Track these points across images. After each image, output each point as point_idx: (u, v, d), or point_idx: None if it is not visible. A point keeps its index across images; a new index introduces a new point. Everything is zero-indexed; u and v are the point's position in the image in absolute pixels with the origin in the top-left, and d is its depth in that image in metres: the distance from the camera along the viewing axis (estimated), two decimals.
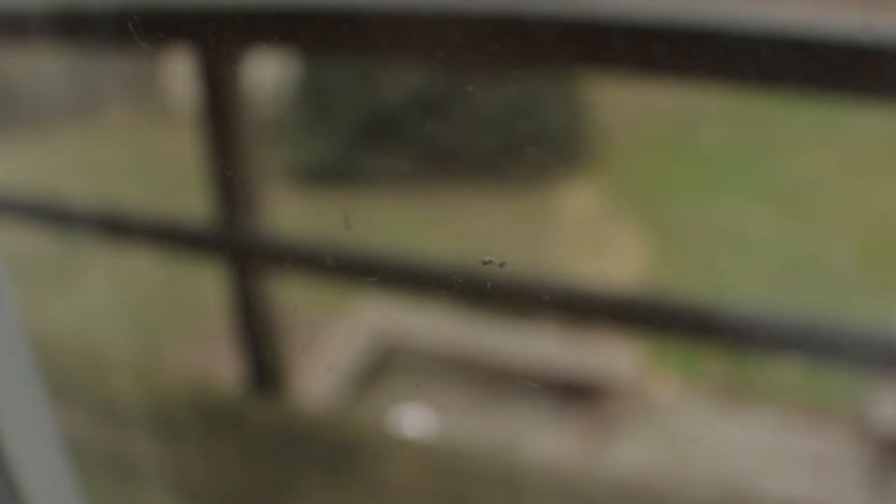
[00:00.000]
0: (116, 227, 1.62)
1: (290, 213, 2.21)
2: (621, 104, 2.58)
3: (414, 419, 1.68)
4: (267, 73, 2.49)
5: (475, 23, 0.88)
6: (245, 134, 1.60)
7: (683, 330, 1.47)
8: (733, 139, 2.38)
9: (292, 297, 1.91)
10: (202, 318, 2.02)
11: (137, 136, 2.52)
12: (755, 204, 2.23)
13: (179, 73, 2.31)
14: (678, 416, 1.81)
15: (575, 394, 1.84)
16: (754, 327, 1.26)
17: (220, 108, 1.57)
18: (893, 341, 1.20)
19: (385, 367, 1.97)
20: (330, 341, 2.03)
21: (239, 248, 1.68)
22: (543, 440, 1.76)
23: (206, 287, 1.86)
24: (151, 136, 2.57)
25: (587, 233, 2.20)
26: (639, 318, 1.45)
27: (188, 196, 1.75)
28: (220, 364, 1.82)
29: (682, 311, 1.42)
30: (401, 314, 2.06)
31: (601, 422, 1.81)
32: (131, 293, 1.91)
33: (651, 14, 0.87)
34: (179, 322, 2.02)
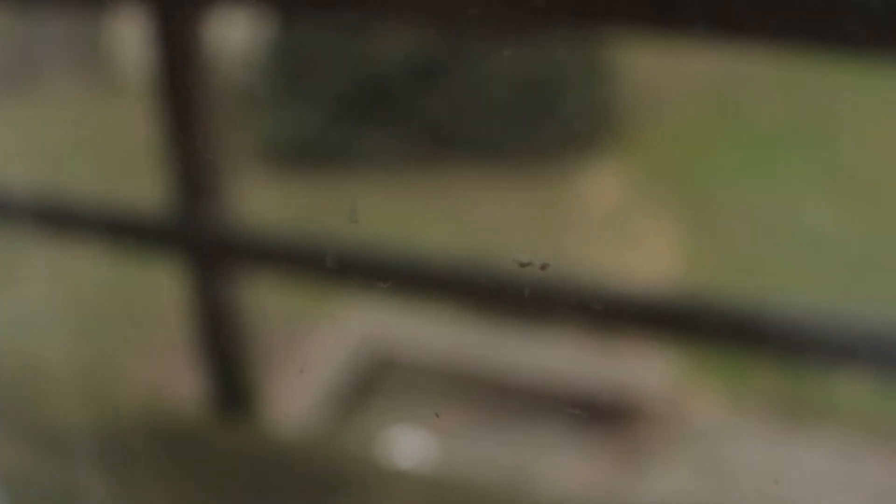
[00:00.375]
0: (58, 218, 1.62)
1: (263, 200, 2.20)
2: (654, 71, 2.58)
3: (411, 445, 1.70)
4: (236, 34, 2.46)
5: None
6: (210, 107, 1.61)
7: (729, 339, 1.50)
8: (788, 112, 2.35)
9: (266, 302, 1.91)
10: (159, 326, 2.01)
11: (83, 109, 2.51)
12: (814, 189, 2.22)
13: (132, 35, 2.28)
14: (723, 441, 1.81)
15: (599, 415, 1.86)
16: (813, 335, 1.26)
17: (181, 76, 1.58)
18: None
19: (376, 383, 1.97)
20: (310, 353, 2.03)
21: (203, 244, 1.69)
22: (562, 470, 1.76)
23: (163, 290, 1.86)
24: (99, 109, 2.57)
25: (614, 224, 2.19)
26: (676, 324, 1.47)
27: (143, 181, 1.75)
28: (180, 381, 1.82)
29: (728, 317, 1.44)
30: (394, 321, 2.06)
31: (631, 448, 1.80)
32: (75, 296, 1.91)
33: None
34: (132, 331, 2.01)
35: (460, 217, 2.18)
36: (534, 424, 1.84)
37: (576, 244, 1.98)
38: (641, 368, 1.92)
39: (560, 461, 1.77)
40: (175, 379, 1.85)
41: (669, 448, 1.80)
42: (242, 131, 2.45)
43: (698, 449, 1.80)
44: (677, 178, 2.38)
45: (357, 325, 2.07)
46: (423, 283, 1.58)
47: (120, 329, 2.00)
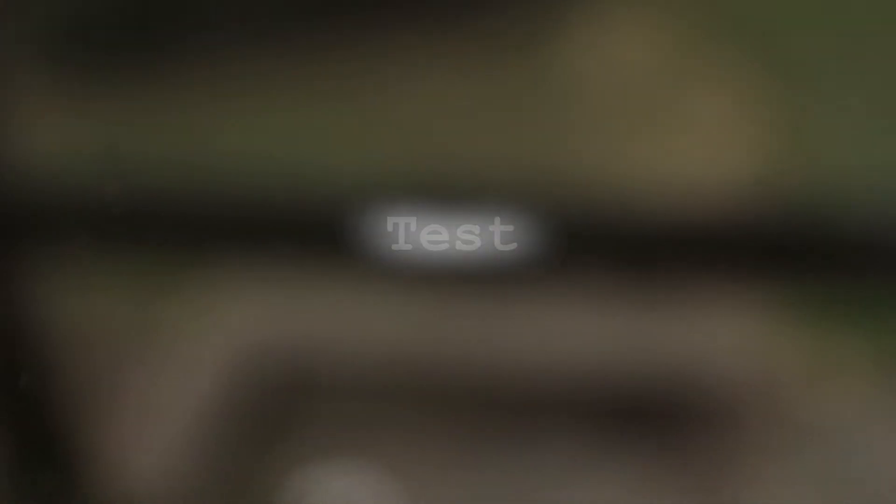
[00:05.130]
0: None
1: (68, 126, 2.17)
2: None
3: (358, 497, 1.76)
4: None
5: None
6: None
7: (855, 272, 1.58)
8: None
9: (92, 298, 1.93)
10: None
11: None
12: None
13: None
14: (863, 448, 1.81)
15: (651, 419, 1.86)
16: None
17: None
18: None
19: (282, 411, 1.98)
20: (169, 374, 2.02)
21: None
22: None
23: None
24: None
25: (653, 105, 2.17)
26: (764, 256, 1.53)
27: None
28: None
29: (859, 236, 1.51)
30: (300, 309, 2.05)
31: (706, 470, 1.82)
32: None
33: None
34: None
35: (393, 121, 2.17)
36: (546, 443, 1.86)
37: (592, 140, 1.98)
38: (715, 338, 1.92)
39: (591, 496, 1.78)
40: None
41: (772, 465, 1.81)
42: (15, 13, 2.42)
43: (822, 463, 1.81)
44: (748, 25, 2.32)
45: (242, 324, 2.08)
46: (330, 240, 1.61)
47: None
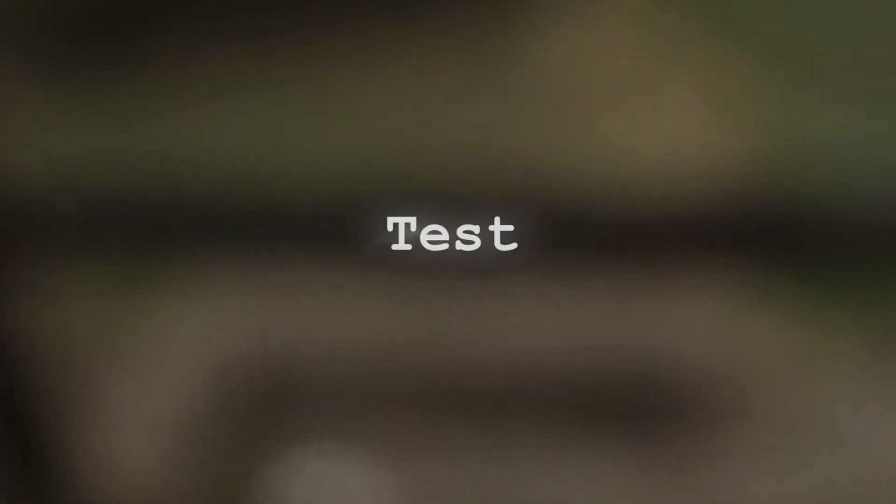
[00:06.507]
0: None
1: (44, 125, 2.16)
2: None
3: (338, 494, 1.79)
4: None
5: None
6: None
7: (837, 254, 1.63)
8: None
9: (66, 302, 1.93)
10: None
11: None
12: None
13: None
14: (854, 427, 1.82)
15: (638, 416, 1.89)
16: None
17: None
18: None
19: (261, 405, 2.01)
20: (145, 377, 2.04)
21: None
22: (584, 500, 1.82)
23: None
24: None
25: (623, 93, 2.19)
26: (744, 241, 1.59)
27: None
28: None
29: (829, 217, 1.57)
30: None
31: (689, 456, 1.83)
32: None
33: None
34: None
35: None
36: (527, 433, 1.86)
37: (563, 132, 1.99)
38: (691, 326, 1.93)
39: (576, 487, 1.78)
40: None
41: (751, 456, 1.82)
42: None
43: (803, 453, 1.81)
44: (729, 9, 2.33)
45: (216, 320, 2.09)
46: (304, 230, 1.71)
47: None
